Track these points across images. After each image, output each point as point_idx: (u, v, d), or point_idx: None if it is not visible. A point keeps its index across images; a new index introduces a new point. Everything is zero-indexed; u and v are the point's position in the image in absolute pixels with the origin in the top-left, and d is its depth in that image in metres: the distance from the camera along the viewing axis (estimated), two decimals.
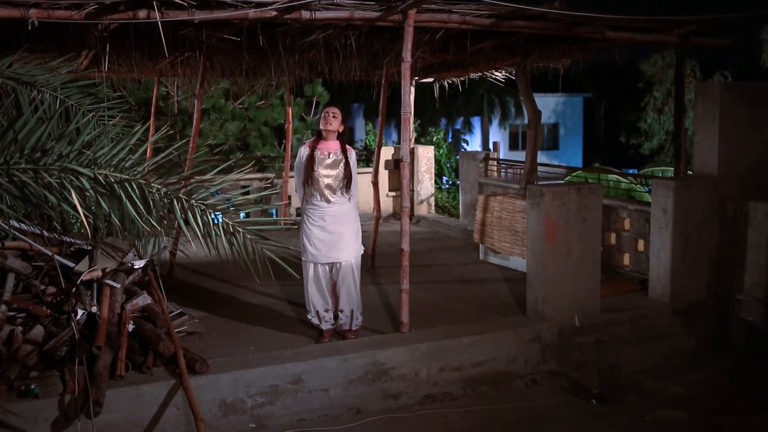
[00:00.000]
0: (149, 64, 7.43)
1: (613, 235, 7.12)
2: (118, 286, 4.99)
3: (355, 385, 4.82)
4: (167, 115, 12.85)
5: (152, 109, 9.03)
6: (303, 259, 5.15)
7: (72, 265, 4.99)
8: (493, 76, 8.85)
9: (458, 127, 30.98)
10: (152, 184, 3.12)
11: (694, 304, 6.12)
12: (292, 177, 11.07)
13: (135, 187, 3.10)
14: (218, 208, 3.16)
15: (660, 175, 14.19)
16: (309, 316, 5.31)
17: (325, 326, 5.25)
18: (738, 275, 5.98)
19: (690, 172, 7.78)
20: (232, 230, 3.20)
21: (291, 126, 10.91)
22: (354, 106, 29.82)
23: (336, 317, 5.30)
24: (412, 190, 11.03)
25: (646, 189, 10.80)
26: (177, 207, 3.20)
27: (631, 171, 28.61)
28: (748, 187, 6.19)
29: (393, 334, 5.24)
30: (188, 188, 3.18)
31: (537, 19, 5.56)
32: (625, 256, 7.01)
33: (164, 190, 3.12)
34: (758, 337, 5.80)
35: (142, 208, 3.15)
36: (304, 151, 5.18)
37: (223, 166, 10.63)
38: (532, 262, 5.67)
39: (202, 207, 3.16)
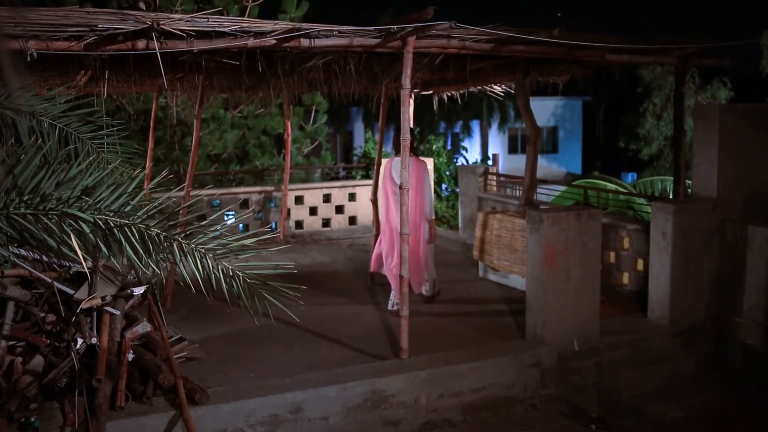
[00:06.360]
0: (148, 81, 7.42)
1: (612, 254, 7.11)
2: (118, 312, 4.98)
3: (354, 413, 4.82)
4: (166, 126, 12.84)
5: (151, 122, 9.05)
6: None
7: (72, 292, 4.98)
8: (492, 90, 8.84)
9: (457, 131, 30.98)
10: (152, 228, 3.12)
11: (693, 327, 6.12)
12: (292, 190, 11.08)
13: (135, 231, 3.10)
14: (218, 253, 3.16)
15: (659, 184, 14.23)
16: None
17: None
18: (737, 298, 5.98)
19: (689, 181, 7.77)
20: (231, 274, 3.20)
21: (290, 137, 10.95)
22: (353, 110, 29.81)
23: None
24: None
25: (646, 200, 10.83)
26: (176, 250, 3.20)
27: (630, 175, 28.65)
28: (748, 209, 6.19)
29: (392, 361, 5.23)
30: (188, 232, 3.17)
31: (536, 44, 5.55)
32: (625, 275, 7.01)
33: (164, 234, 3.12)
34: (757, 360, 5.80)
35: (141, 251, 3.15)
36: None
37: (227, 190, 10.55)
38: (531, 287, 5.67)
39: (202, 251, 3.16)
